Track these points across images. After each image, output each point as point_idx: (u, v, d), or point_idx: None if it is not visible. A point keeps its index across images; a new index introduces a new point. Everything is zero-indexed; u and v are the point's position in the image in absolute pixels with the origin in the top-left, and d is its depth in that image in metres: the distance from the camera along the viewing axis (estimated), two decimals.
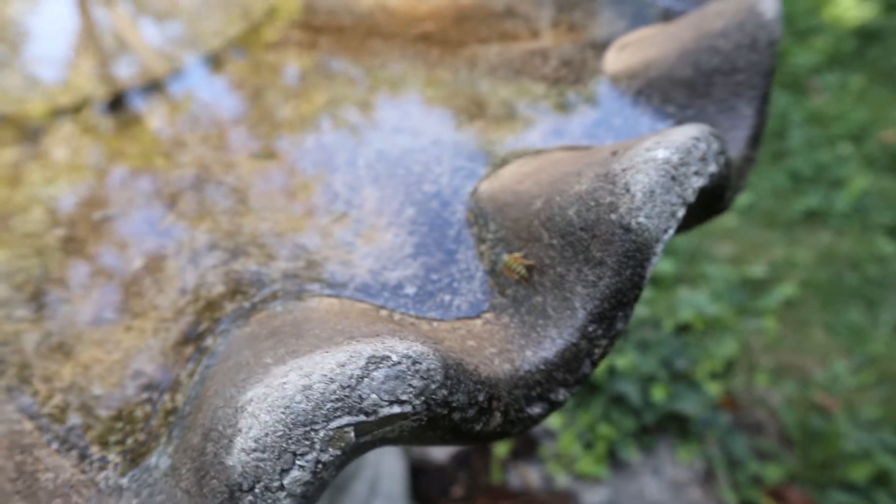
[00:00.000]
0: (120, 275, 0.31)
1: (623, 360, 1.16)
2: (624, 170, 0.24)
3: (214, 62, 0.49)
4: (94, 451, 0.24)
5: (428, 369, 0.19)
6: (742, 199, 1.55)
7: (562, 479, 1.07)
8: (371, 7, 0.49)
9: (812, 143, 1.67)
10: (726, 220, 1.54)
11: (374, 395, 0.18)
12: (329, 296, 0.28)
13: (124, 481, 0.22)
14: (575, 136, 0.36)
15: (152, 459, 0.23)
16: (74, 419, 0.25)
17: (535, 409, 0.23)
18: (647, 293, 1.34)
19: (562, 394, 0.24)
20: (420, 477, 1.09)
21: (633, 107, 0.36)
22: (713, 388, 1.17)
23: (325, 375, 0.18)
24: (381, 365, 0.18)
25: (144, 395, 0.26)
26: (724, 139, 0.31)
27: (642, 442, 1.09)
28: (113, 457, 0.23)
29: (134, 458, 0.23)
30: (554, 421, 1.12)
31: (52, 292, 0.31)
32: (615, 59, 0.38)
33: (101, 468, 0.23)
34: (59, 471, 0.23)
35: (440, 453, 1.13)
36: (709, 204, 0.29)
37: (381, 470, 0.96)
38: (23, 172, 0.42)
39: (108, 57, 0.57)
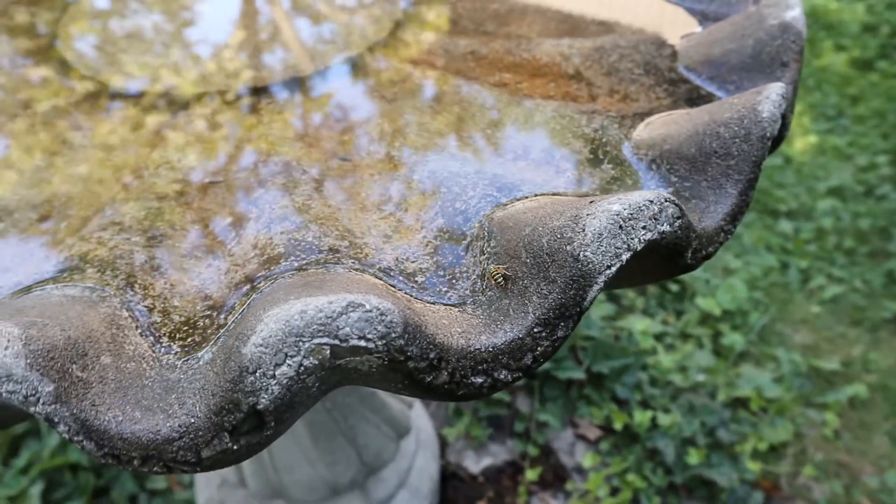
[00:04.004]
0: (213, 226, 0.41)
1: (667, 418, 1.19)
2: (587, 214, 0.31)
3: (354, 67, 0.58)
4: (164, 340, 0.33)
5: (391, 321, 0.27)
6: (829, 290, 1.54)
7: None
8: (465, 53, 0.58)
9: None
10: (807, 307, 1.53)
11: (347, 328, 0.26)
12: (357, 269, 0.36)
13: (178, 363, 0.31)
14: (592, 188, 0.43)
15: (200, 353, 0.32)
16: (156, 317, 0.34)
17: (478, 380, 0.30)
18: (707, 361, 1.35)
19: (503, 374, 0.31)
20: (451, 482, 1.16)
21: (645, 171, 0.42)
22: (753, 466, 1.18)
23: (317, 307, 0.26)
24: (357, 309, 0.26)
25: (207, 312, 0.35)
26: (684, 207, 0.37)
27: (667, 499, 1.11)
28: (175, 347, 0.33)
29: (189, 350, 0.32)
30: (587, 460, 1.16)
31: (162, 228, 0.41)
32: (643, 130, 0.45)
33: (166, 352, 0.32)
34: (138, 346, 0.32)
35: (475, 465, 1.20)
36: (670, 258, 0.35)
37: (414, 464, 1.03)
38: (164, 137, 0.52)
39: (262, 47, 0.67)
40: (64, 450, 1.18)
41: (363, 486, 0.97)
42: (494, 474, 1.17)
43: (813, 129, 2.11)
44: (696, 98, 0.49)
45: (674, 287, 1.56)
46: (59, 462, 1.15)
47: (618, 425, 1.20)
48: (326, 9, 0.71)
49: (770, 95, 0.38)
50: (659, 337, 1.44)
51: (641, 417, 1.19)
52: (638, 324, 1.43)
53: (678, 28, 0.58)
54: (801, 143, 2.05)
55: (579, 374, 1.27)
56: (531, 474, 1.15)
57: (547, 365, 1.29)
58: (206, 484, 1.02)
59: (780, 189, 1.87)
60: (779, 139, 0.43)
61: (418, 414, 1.12)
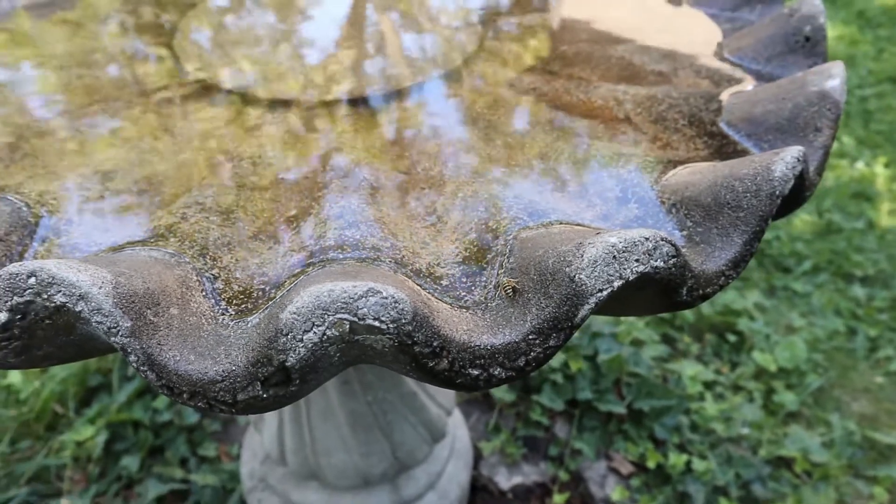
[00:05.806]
0: (279, 214, 0.47)
1: (702, 464, 1.19)
2: (588, 243, 0.36)
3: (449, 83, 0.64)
4: (223, 304, 0.40)
5: (403, 308, 0.32)
6: None
7: None
8: (528, 88, 0.63)
9: None
10: (871, 377, 1.49)
11: (365, 309, 0.31)
12: (392, 269, 0.42)
13: (231, 323, 0.38)
14: (615, 225, 0.47)
15: (250, 318, 0.38)
16: (219, 284, 0.41)
17: (475, 372, 0.35)
18: (754, 415, 1.34)
19: (498, 371, 0.36)
20: (480, 494, 1.20)
21: (665, 214, 0.47)
22: None
23: (343, 288, 0.32)
24: (375, 295, 0.32)
25: (262, 287, 0.41)
26: (692, 250, 0.41)
27: None
28: (231, 310, 0.39)
29: (242, 314, 0.39)
30: (616, 494, 1.18)
31: (236, 212, 0.47)
32: (671, 177, 0.49)
33: (222, 313, 0.39)
34: (201, 305, 0.38)
35: (505, 481, 1.23)
36: (665, 293, 0.39)
37: (446, 469, 1.08)
38: (258, 132, 0.59)
39: (366, 55, 0.73)
40: (129, 407, 1.29)
41: (393, 482, 1.02)
42: (523, 493, 1.20)
43: None
44: (731, 153, 0.53)
45: (732, 338, 1.56)
46: (123, 417, 1.26)
47: (651, 464, 1.21)
48: (410, 30, 0.78)
49: (786, 157, 0.42)
50: (709, 385, 1.44)
51: (676, 460, 1.20)
52: (689, 369, 1.44)
53: (732, 85, 0.62)
54: (888, 208, 2.00)
55: (620, 409, 1.29)
56: (559, 498, 1.18)
57: (589, 395, 1.31)
58: (251, 457, 1.10)
59: (858, 253, 1.83)
60: (798, 199, 0.47)
61: (456, 423, 1.17)
